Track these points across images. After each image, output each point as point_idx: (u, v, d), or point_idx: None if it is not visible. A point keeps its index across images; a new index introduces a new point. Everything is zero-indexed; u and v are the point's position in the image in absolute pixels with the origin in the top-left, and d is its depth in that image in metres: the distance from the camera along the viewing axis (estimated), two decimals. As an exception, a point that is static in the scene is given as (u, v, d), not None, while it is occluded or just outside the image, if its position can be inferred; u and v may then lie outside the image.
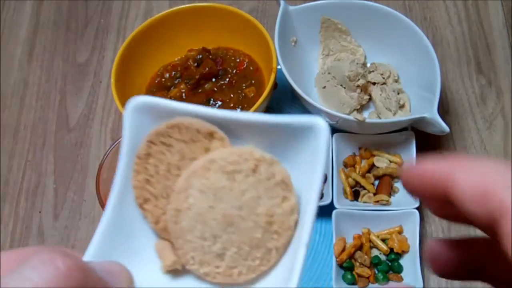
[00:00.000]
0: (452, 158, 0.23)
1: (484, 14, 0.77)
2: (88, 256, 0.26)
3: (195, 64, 0.69)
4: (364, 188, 0.65)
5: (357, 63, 0.70)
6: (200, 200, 0.26)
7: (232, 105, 0.67)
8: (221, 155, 0.26)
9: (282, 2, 0.67)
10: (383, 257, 0.61)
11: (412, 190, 0.24)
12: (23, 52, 0.80)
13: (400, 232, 0.62)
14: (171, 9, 0.70)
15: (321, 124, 0.25)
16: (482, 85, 0.72)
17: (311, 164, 0.26)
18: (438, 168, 0.23)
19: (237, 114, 0.27)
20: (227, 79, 0.69)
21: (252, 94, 0.67)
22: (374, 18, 0.69)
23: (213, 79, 0.69)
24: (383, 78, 0.69)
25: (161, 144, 0.28)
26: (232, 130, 0.27)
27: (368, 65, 0.72)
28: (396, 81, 0.70)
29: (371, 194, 0.64)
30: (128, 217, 0.28)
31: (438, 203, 0.24)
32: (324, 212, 0.62)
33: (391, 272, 0.61)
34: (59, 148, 0.72)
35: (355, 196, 0.64)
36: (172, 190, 0.27)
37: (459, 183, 0.22)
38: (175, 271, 0.27)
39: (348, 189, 0.64)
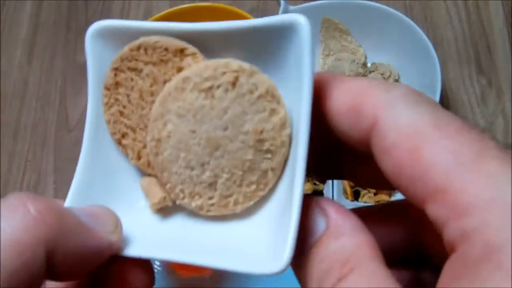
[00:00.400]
0: (327, 76, 0.22)
1: (485, 14, 0.77)
2: (68, 204, 0.24)
3: (195, 64, 0.69)
4: (365, 188, 0.65)
5: (358, 63, 0.70)
6: (179, 125, 0.24)
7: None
8: (195, 71, 0.23)
9: (282, 2, 0.67)
10: (383, 257, 0.61)
11: None
12: (23, 52, 0.79)
13: (400, 232, 0.62)
14: (171, 9, 0.70)
15: (300, 20, 0.22)
16: (483, 85, 0.72)
17: (296, 69, 0.22)
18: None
19: (205, 25, 0.24)
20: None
21: (252, 94, 0.67)
22: (374, 18, 0.69)
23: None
24: (384, 78, 0.69)
25: (129, 70, 0.25)
26: (203, 45, 0.24)
27: (369, 65, 0.72)
28: (397, 80, 0.70)
29: (372, 194, 0.64)
30: (106, 157, 0.26)
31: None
32: (325, 212, 0.62)
33: (391, 272, 0.61)
34: (59, 148, 0.72)
35: (356, 196, 0.64)
36: (148, 119, 0.24)
37: (332, 98, 0.21)
38: (165, 209, 0.25)
39: (348, 189, 0.64)
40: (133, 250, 0.22)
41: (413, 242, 0.23)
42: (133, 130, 0.25)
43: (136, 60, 0.25)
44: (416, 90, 0.21)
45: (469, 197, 0.16)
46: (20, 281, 0.18)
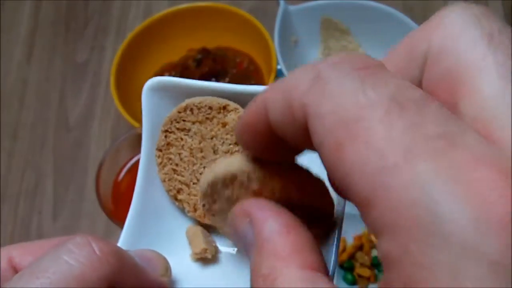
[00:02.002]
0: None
1: (484, 14, 0.77)
2: (121, 245, 0.26)
3: (195, 64, 0.69)
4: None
5: (357, 63, 0.70)
6: (228, 205, 0.26)
7: (232, 105, 0.67)
8: (241, 168, 0.26)
9: (282, 2, 0.67)
10: (383, 257, 0.61)
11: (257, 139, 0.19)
12: (22, 52, 0.79)
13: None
14: (170, 9, 0.70)
15: None
16: (482, 85, 0.72)
17: None
18: (254, 108, 0.19)
19: (247, 87, 0.27)
20: (227, 79, 0.69)
21: (252, 94, 0.67)
22: (374, 18, 0.69)
23: (213, 79, 0.69)
24: (383, 78, 0.69)
25: (178, 131, 0.27)
26: (243, 104, 0.27)
27: (368, 65, 0.72)
28: (396, 81, 0.70)
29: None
30: (156, 205, 0.28)
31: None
32: (324, 212, 0.62)
33: (391, 272, 0.61)
34: (58, 148, 0.72)
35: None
36: (200, 173, 0.27)
37: (270, 102, 0.18)
38: (205, 260, 0.27)
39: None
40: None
41: None
42: (187, 185, 0.28)
43: (184, 120, 0.27)
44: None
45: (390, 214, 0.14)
46: None
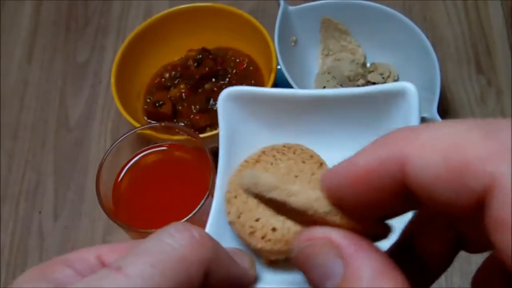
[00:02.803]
0: (393, 136, 0.17)
1: (484, 14, 0.77)
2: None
3: (195, 64, 0.69)
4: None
5: (357, 63, 0.70)
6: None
7: (232, 105, 0.67)
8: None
9: (282, 2, 0.67)
10: (383, 257, 0.61)
11: (352, 200, 0.18)
12: (22, 52, 0.79)
13: (400, 232, 0.62)
14: (171, 9, 0.70)
15: (411, 88, 0.26)
16: (482, 85, 0.72)
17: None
18: (378, 158, 0.17)
19: (323, 92, 0.29)
20: (227, 79, 0.69)
21: (252, 94, 0.67)
22: (374, 18, 0.69)
23: (213, 79, 0.69)
24: (383, 78, 0.69)
25: (272, 157, 0.29)
26: (320, 108, 0.29)
27: (368, 65, 0.72)
28: (396, 81, 0.70)
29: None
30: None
31: (391, 205, 0.18)
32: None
33: (391, 272, 0.61)
34: (59, 148, 0.72)
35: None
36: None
37: (414, 160, 0.16)
38: (277, 263, 0.29)
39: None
40: (263, 285, 0.26)
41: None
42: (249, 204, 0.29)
43: (284, 154, 0.29)
44: None
45: None
46: None
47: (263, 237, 0.27)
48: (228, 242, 0.28)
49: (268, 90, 0.29)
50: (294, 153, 0.29)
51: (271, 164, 0.29)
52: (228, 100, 0.30)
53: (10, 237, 0.66)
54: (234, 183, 0.29)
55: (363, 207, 0.18)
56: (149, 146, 0.56)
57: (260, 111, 0.30)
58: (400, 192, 0.17)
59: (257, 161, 0.29)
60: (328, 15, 0.70)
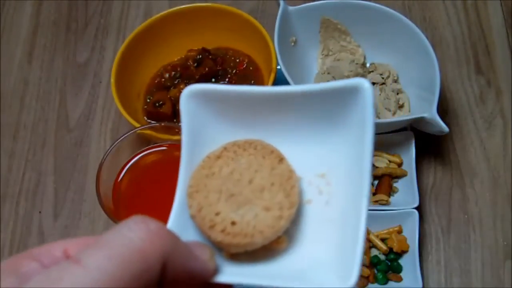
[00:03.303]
0: None
1: (484, 14, 0.77)
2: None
3: (195, 64, 0.69)
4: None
5: (357, 63, 0.70)
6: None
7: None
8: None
9: (281, 2, 0.67)
10: (382, 257, 0.61)
11: None
12: (23, 52, 0.80)
13: (399, 232, 0.62)
14: (171, 9, 0.70)
15: (364, 83, 0.27)
16: (481, 85, 0.72)
17: (360, 122, 0.28)
18: None
19: (283, 88, 0.29)
20: (227, 79, 0.69)
21: (252, 94, 0.67)
22: (374, 18, 0.69)
23: (213, 79, 0.69)
24: (383, 78, 0.69)
25: (233, 152, 0.30)
26: (280, 105, 0.30)
27: (368, 65, 0.72)
28: (396, 81, 0.70)
29: (371, 194, 0.64)
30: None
31: None
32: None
33: (390, 272, 0.61)
34: (59, 148, 0.72)
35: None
36: (229, 191, 0.29)
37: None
38: (237, 257, 0.29)
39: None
40: (223, 277, 0.26)
41: None
42: (208, 191, 0.30)
43: (244, 150, 0.30)
44: None
45: None
46: (141, 283, 0.21)
47: (222, 231, 0.28)
48: (190, 235, 0.29)
49: (229, 87, 0.30)
50: (255, 148, 0.30)
51: (232, 159, 0.30)
52: (190, 97, 0.30)
53: (10, 237, 0.66)
54: (196, 178, 0.30)
55: None
56: (149, 146, 0.56)
57: (222, 107, 0.31)
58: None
59: (219, 157, 0.30)
60: (327, 15, 0.70)
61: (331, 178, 0.30)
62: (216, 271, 0.26)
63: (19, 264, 0.23)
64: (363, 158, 0.27)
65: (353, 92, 0.28)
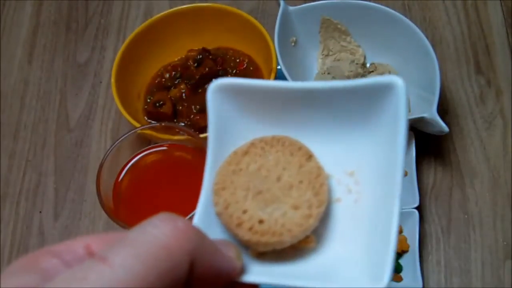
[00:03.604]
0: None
1: (484, 14, 0.77)
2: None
3: (195, 64, 0.69)
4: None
5: (357, 63, 0.70)
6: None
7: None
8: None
9: (282, 2, 0.67)
10: (382, 257, 0.61)
11: None
12: (23, 52, 0.80)
13: (399, 232, 0.62)
14: (171, 9, 0.70)
15: (398, 81, 0.27)
16: (482, 85, 0.72)
17: (392, 121, 0.27)
18: None
19: (312, 84, 0.29)
20: (227, 79, 0.69)
21: (252, 94, 0.67)
22: (374, 18, 0.69)
23: (213, 79, 0.69)
24: (383, 78, 0.69)
25: (260, 148, 0.30)
26: (311, 101, 0.29)
27: (368, 65, 0.72)
28: (396, 81, 0.70)
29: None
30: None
31: None
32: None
33: (390, 271, 0.61)
34: (59, 148, 0.72)
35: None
36: (256, 188, 0.28)
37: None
38: (265, 256, 0.28)
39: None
40: (250, 277, 0.26)
41: None
42: (235, 188, 0.29)
43: (272, 146, 0.30)
44: None
45: None
46: (168, 281, 0.21)
47: (250, 229, 0.27)
48: (216, 233, 0.28)
49: (258, 81, 0.29)
50: (283, 145, 0.29)
51: (260, 156, 0.29)
52: (217, 91, 0.30)
53: (10, 237, 0.66)
54: (222, 174, 0.29)
55: None
56: (149, 146, 0.56)
57: (249, 103, 0.30)
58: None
59: (246, 152, 0.29)
60: (328, 15, 0.70)
61: (360, 177, 0.30)
62: (243, 270, 0.26)
63: (40, 261, 0.22)
64: (396, 158, 0.26)
65: (386, 89, 0.27)
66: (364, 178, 0.30)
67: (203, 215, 0.29)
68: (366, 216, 0.28)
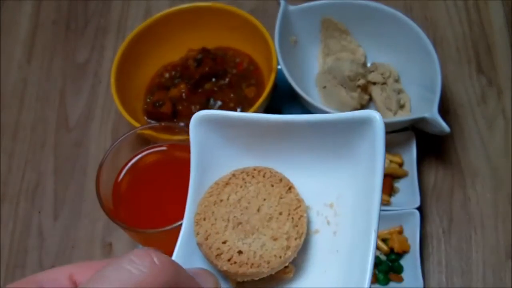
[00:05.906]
0: None
1: (485, 14, 0.77)
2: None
3: (195, 64, 0.69)
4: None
5: (357, 63, 0.69)
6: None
7: (232, 105, 0.66)
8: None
9: (282, 2, 0.67)
10: (383, 257, 0.61)
11: None
12: (22, 52, 0.79)
13: (400, 232, 0.62)
14: (171, 9, 0.70)
15: (376, 116, 0.27)
16: (483, 85, 0.72)
17: (370, 154, 0.28)
18: None
19: (292, 117, 0.29)
20: (227, 79, 0.69)
21: (253, 94, 0.67)
22: (374, 18, 0.69)
23: (213, 79, 0.69)
24: (384, 78, 0.69)
25: (241, 179, 0.30)
26: (289, 133, 0.30)
27: (369, 65, 0.72)
28: (397, 81, 0.70)
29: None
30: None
31: None
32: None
33: (391, 272, 0.61)
34: (59, 148, 0.72)
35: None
36: (237, 219, 0.29)
37: None
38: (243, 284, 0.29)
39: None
40: None
41: None
42: (216, 219, 0.30)
43: (253, 177, 0.30)
44: None
45: None
46: None
47: (229, 260, 0.28)
48: (197, 262, 0.29)
49: (239, 114, 0.30)
50: (264, 176, 0.30)
51: (241, 187, 0.30)
52: (199, 123, 0.30)
53: (10, 237, 0.66)
54: (203, 205, 0.30)
55: None
56: (149, 146, 0.56)
57: (231, 134, 0.31)
58: None
59: (227, 183, 0.30)
60: (328, 15, 0.70)
61: (339, 209, 0.30)
62: None
63: None
64: (373, 191, 0.27)
65: (363, 123, 0.28)
66: (343, 210, 0.30)
67: (184, 245, 0.29)
68: (344, 247, 0.29)
